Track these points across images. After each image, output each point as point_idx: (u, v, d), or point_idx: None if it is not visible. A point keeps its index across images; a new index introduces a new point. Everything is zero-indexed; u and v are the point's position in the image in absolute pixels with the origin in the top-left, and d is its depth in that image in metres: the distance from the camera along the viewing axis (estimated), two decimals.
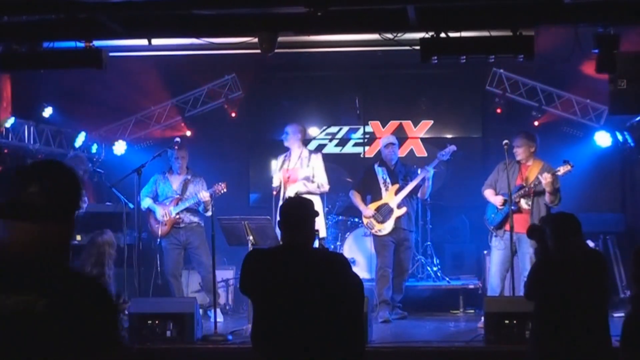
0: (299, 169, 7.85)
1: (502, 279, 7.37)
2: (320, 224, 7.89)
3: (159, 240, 7.94)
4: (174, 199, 7.95)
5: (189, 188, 8.00)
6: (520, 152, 7.44)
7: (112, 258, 6.48)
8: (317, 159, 7.93)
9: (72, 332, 1.87)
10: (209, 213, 7.70)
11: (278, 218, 3.88)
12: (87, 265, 6.38)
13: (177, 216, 7.90)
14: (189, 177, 8.09)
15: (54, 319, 1.87)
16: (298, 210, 3.80)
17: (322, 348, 3.57)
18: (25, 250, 1.94)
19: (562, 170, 7.17)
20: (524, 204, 7.35)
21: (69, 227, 2.01)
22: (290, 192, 7.65)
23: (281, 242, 3.88)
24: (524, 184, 7.36)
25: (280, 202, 7.71)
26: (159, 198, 8.04)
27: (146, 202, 7.98)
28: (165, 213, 7.90)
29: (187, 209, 7.94)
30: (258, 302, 3.75)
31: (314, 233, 3.85)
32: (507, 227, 7.20)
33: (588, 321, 4.31)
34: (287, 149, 7.98)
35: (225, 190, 7.71)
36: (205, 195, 7.71)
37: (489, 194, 7.58)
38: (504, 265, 7.33)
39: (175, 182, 8.06)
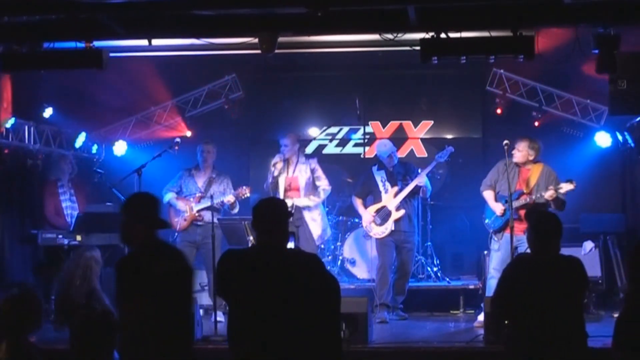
0: (299, 178, 7.94)
1: None
2: (318, 224, 7.94)
3: (176, 234, 8.01)
4: (197, 196, 8.00)
5: (212, 186, 8.09)
6: (518, 156, 7.46)
7: (97, 275, 6.47)
8: (315, 163, 8.07)
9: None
10: (235, 210, 7.89)
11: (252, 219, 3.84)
12: (76, 278, 6.36)
13: (198, 214, 7.97)
14: (214, 175, 8.17)
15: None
16: (272, 211, 3.77)
17: (298, 349, 3.54)
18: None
19: (564, 188, 7.17)
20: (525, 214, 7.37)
21: None
22: (296, 203, 7.84)
23: (255, 243, 3.85)
24: (524, 190, 7.36)
25: None
26: (183, 194, 8.13)
27: (168, 196, 8.11)
28: (187, 208, 8.00)
29: (210, 208, 7.93)
30: (233, 303, 3.72)
31: (288, 234, 3.82)
32: (507, 230, 7.20)
33: (565, 324, 4.28)
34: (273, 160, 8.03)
35: (248, 194, 7.89)
36: (230, 199, 7.85)
37: (488, 195, 7.57)
38: (502, 266, 7.33)
39: (200, 179, 8.15)
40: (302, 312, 3.57)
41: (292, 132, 8.37)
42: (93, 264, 6.36)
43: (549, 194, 7.14)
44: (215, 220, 7.73)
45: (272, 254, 3.68)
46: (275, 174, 7.93)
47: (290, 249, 3.88)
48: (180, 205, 8.04)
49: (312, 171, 7.99)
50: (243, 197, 7.88)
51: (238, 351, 3.63)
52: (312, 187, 8.00)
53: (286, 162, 7.99)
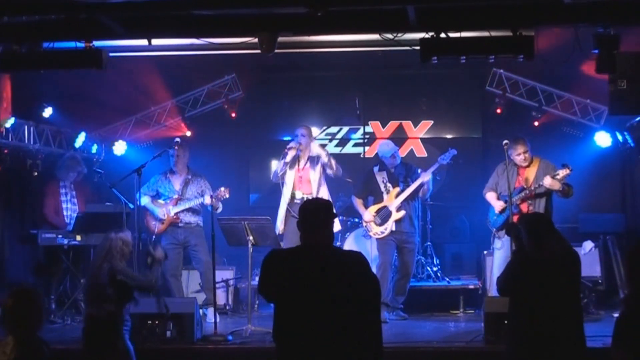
0: (310, 170, 7.93)
1: None
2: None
3: (154, 237, 8.02)
4: (173, 199, 8.03)
5: (189, 188, 8.09)
6: (521, 159, 7.44)
7: (124, 256, 6.17)
8: (320, 149, 8.06)
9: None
10: (219, 210, 7.85)
11: (297, 218, 3.92)
12: (101, 261, 6.12)
13: (175, 216, 7.98)
14: (190, 177, 8.18)
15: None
16: (318, 212, 3.84)
17: (342, 347, 3.60)
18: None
19: (561, 174, 7.22)
20: (526, 206, 7.37)
21: None
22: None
23: (301, 242, 3.89)
24: (525, 186, 7.39)
25: (285, 200, 7.80)
26: (161, 197, 8.13)
27: (144, 200, 8.09)
28: (164, 213, 8.01)
29: (187, 209, 8.00)
30: (279, 302, 3.78)
31: (333, 234, 3.89)
32: None
33: (563, 318, 4.40)
34: (287, 145, 7.97)
35: (227, 196, 7.82)
36: (208, 200, 7.82)
37: (490, 196, 7.63)
38: (504, 265, 7.35)
39: (177, 182, 8.16)
40: (348, 311, 3.62)
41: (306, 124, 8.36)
42: (120, 244, 6.06)
43: (547, 182, 7.19)
44: (197, 221, 7.95)
45: (318, 253, 3.74)
46: (287, 159, 7.85)
47: (335, 247, 3.94)
48: (158, 211, 8.05)
49: (323, 166, 7.94)
50: (222, 199, 7.83)
51: (285, 350, 3.70)
52: (322, 183, 7.96)
53: (297, 152, 7.90)
